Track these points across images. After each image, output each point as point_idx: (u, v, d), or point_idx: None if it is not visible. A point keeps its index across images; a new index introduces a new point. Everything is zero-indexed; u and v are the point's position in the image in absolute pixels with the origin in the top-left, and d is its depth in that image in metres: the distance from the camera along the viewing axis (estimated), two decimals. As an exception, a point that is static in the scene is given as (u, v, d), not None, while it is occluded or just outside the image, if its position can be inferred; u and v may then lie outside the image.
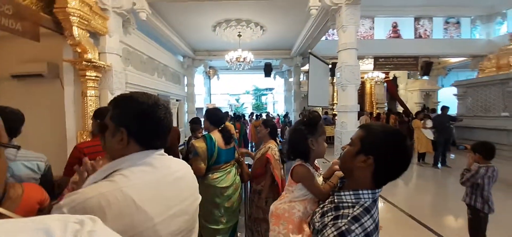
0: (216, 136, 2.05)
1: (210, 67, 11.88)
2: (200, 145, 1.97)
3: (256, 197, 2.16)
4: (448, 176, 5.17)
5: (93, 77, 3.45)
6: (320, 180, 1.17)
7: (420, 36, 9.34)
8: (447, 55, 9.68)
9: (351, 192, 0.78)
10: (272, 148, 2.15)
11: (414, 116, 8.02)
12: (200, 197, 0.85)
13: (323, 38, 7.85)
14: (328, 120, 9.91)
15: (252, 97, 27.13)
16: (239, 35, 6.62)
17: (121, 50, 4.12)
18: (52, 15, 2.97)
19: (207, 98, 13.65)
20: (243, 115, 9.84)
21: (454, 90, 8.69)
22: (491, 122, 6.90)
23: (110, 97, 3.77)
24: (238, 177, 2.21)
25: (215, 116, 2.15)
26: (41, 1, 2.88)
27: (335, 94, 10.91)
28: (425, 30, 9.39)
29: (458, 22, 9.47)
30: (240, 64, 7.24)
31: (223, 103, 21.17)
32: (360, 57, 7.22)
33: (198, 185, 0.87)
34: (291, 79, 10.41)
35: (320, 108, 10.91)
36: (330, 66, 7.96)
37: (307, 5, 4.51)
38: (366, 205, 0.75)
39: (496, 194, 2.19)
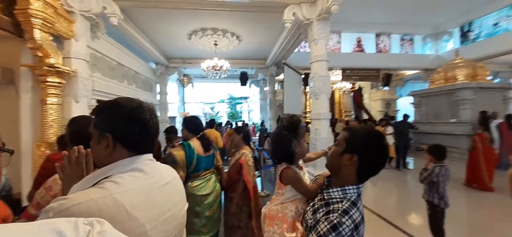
0: (195, 143, 2.04)
1: (184, 75, 11.62)
2: (178, 153, 1.93)
3: (230, 204, 2.18)
4: (409, 176, 5.71)
5: (56, 84, 3.18)
6: (306, 178, 1.24)
7: (381, 51, 10.34)
8: (403, 68, 10.82)
9: (338, 188, 0.86)
10: (246, 154, 2.16)
11: (377, 123, 8.75)
12: (187, 204, 0.85)
13: (296, 50, 8.25)
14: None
15: (227, 106, 27.06)
16: (216, 44, 6.65)
17: (88, 55, 3.86)
18: (12, 16, 2.70)
19: (181, 107, 13.25)
20: (220, 123, 9.73)
21: (411, 99, 9.70)
22: (441, 127, 7.81)
23: (75, 105, 3.50)
24: (218, 184, 2.18)
25: (192, 124, 2.15)
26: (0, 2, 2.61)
27: (308, 103, 11.41)
28: (385, 45, 10.43)
29: (411, 39, 10.70)
30: (216, 73, 7.23)
31: (198, 112, 20.70)
32: (329, 69, 7.71)
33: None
34: (266, 88, 10.66)
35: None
36: (303, 76, 8.35)
37: (281, 19, 4.75)
38: (352, 199, 0.83)
39: (450, 191, 2.49)
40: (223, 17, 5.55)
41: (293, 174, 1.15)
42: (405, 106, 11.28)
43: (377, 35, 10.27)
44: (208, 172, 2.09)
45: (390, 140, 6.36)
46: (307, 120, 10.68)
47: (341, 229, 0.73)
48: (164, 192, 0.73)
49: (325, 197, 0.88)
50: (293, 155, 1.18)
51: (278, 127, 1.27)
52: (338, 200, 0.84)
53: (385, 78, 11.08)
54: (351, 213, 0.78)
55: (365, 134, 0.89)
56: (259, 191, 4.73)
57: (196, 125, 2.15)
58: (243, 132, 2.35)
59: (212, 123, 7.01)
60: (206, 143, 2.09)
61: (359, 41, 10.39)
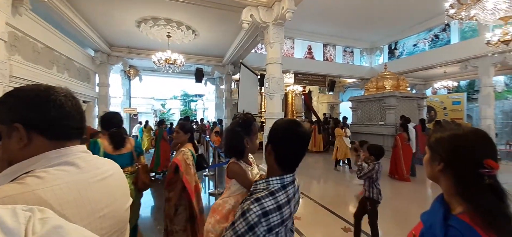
0: (104, 140, 2.01)
1: (130, 66, 10.54)
2: None
3: (167, 205, 2.03)
4: (347, 172, 6.49)
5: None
6: (255, 171, 1.30)
7: (327, 59, 11.45)
8: (344, 76, 12.22)
9: (264, 180, 0.89)
10: (185, 152, 2.05)
11: (332, 125, 9.68)
12: (131, 199, 0.80)
13: (253, 50, 8.44)
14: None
15: (181, 103, 25.68)
16: (169, 36, 6.26)
17: (5, 34, 3.15)
18: None
19: (126, 102, 11.90)
20: (171, 124, 9.09)
21: (350, 104, 11.03)
22: (373, 128, 9.15)
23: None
24: (132, 187, 2.11)
25: (105, 119, 2.11)
26: None
27: (263, 103, 11.77)
28: (331, 54, 11.60)
29: (352, 52, 12.17)
30: (169, 67, 6.80)
31: (146, 108, 18.98)
32: (283, 72, 8.17)
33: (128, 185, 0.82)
34: (222, 87, 10.55)
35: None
36: (258, 77, 8.59)
37: (239, 19, 4.80)
38: (273, 189, 0.84)
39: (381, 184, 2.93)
40: (179, 8, 5.27)
41: (237, 168, 1.20)
42: (345, 109, 12.76)
43: (325, 45, 11.35)
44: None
45: (348, 142, 6.68)
46: (262, 119, 11.04)
47: (248, 214, 0.76)
48: (102, 187, 0.67)
49: (251, 189, 0.93)
50: (243, 150, 1.23)
51: (232, 123, 1.29)
52: (261, 190, 0.86)
53: (330, 84, 12.31)
54: (262, 201, 0.80)
55: (278, 125, 0.93)
56: (213, 190, 4.69)
57: (109, 121, 2.09)
58: (185, 130, 2.21)
59: (161, 123, 6.56)
60: (117, 141, 2.05)
61: (309, 49, 11.28)
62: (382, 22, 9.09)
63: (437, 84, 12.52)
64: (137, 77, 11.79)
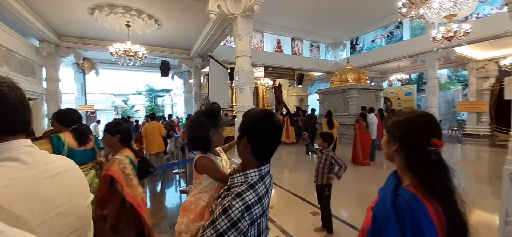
0: (67, 136, 1.93)
1: (84, 58, 9.49)
2: (44, 147, 1.58)
3: (102, 226, 1.59)
4: (312, 160, 6.84)
5: None
6: (224, 164, 1.25)
7: (296, 54, 11.77)
8: (312, 70, 12.71)
9: (241, 173, 0.87)
10: (121, 161, 1.67)
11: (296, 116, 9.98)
12: (91, 195, 0.76)
13: (222, 43, 8.25)
14: (227, 120, 10.45)
15: (146, 98, 24.09)
16: (128, 25, 5.76)
17: None
18: None
19: (81, 99, 10.70)
20: (126, 118, 8.19)
21: (317, 96, 11.56)
22: (338, 119, 9.69)
23: None
24: (96, 180, 2.02)
25: (65, 116, 2.06)
26: None
27: (233, 97, 11.67)
28: (299, 49, 11.94)
29: (318, 46, 12.70)
30: (130, 59, 6.28)
31: (105, 105, 17.38)
32: (253, 65, 8.17)
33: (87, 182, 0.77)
34: (191, 81, 10.15)
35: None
36: (228, 70, 8.45)
37: (206, 9, 4.62)
38: (252, 182, 0.83)
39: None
40: (138, -5, 4.87)
41: (207, 161, 1.13)
42: (313, 101, 13.34)
43: (293, 39, 11.62)
44: (84, 166, 1.99)
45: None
46: (233, 113, 10.95)
47: (230, 211, 0.75)
48: (54, 183, 0.63)
49: (228, 183, 0.91)
50: (208, 142, 1.16)
51: (196, 113, 1.20)
52: (239, 184, 0.85)
53: (299, 77, 12.71)
54: (244, 195, 0.78)
55: (252, 115, 0.91)
56: (184, 187, 4.54)
57: (69, 117, 2.05)
58: (121, 132, 1.83)
59: (126, 120, 6.10)
60: (81, 136, 2.01)
61: (278, 43, 11.44)
62: (344, 18, 9.62)
63: (392, 77, 13.79)
64: (93, 71, 10.69)
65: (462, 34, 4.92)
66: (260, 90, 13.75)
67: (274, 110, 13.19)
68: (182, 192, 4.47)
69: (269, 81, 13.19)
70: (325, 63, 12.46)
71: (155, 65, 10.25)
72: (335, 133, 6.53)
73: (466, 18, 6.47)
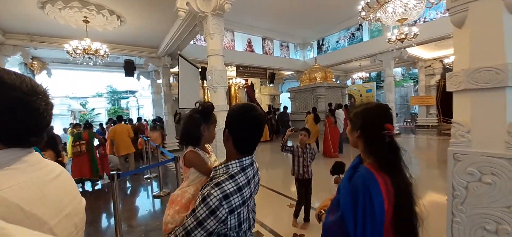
0: None
1: (33, 58, 8.41)
2: None
3: None
4: (286, 156, 7.07)
5: None
6: (213, 159, 1.27)
7: (266, 53, 11.98)
8: (282, 69, 13.08)
9: (223, 165, 0.91)
10: None
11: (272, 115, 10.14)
12: (84, 198, 0.76)
13: (192, 42, 8.02)
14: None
15: (107, 101, 22.23)
16: (86, 21, 5.28)
17: None
18: None
19: (30, 103, 9.46)
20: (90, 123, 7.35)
21: (288, 94, 11.94)
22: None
23: None
24: None
25: None
26: None
27: (206, 97, 11.42)
28: (269, 48, 12.18)
29: (288, 46, 13.10)
30: (90, 58, 5.75)
31: (60, 109, 15.59)
32: (225, 64, 8.10)
33: None
34: (159, 81, 9.67)
35: (192, 111, 11.01)
36: (200, 70, 8.26)
37: (174, 6, 4.46)
38: (232, 172, 0.87)
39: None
40: (98, -11, 4.50)
41: (194, 156, 1.18)
42: (285, 99, 13.73)
43: (263, 39, 11.81)
44: None
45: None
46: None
47: (209, 199, 0.78)
48: (58, 185, 0.62)
49: (211, 174, 0.95)
50: (199, 137, 1.20)
51: (192, 110, 1.25)
52: (221, 175, 0.88)
53: (271, 76, 12.96)
54: (223, 185, 0.81)
55: (234, 110, 0.96)
56: (158, 191, 4.33)
57: None
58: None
59: (89, 125, 5.59)
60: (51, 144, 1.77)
61: (249, 42, 11.52)
62: (310, 20, 10.09)
63: (355, 76, 14.87)
64: (44, 72, 9.54)
65: (412, 36, 5.54)
66: (233, 90, 13.70)
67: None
68: (155, 197, 4.27)
69: (241, 81, 13.22)
70: (295, 63, 12.92)
71: (118, 65, 9.54)
72: (318, 129, 6.94)
73: (415, 22, 7.28)
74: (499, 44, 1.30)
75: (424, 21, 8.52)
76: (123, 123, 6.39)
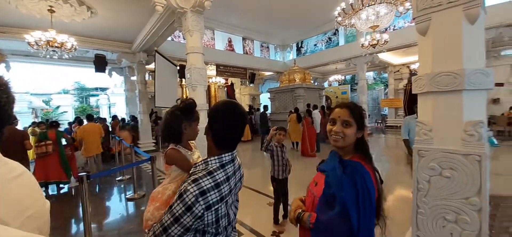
0: None
1: (-13, 49, 7.53)
2: None
3: None
4: (267, 155, 7.16)
5: None
6: (195, 156, 1.26)
7: (247, 53, 12.00)
8: (262, 69, 13.20)
9: (202, 161, 0.91)
10: None
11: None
12: (48, 201, 0.70)
13: (170, 38, 7.76)
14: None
15: (75, 98, 20.59)
16: (52, 11, 4.85)
17: None
18: None
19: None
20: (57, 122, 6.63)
21: (268, 95, 12.07)
22: (287, 116, 10.42)
23: None
24: None
25: None
26: None
27: (184, 96, 11.11)
28: (250, 48, 12.22)
29: (268, 47, 13.25)
30: (55, 51, 5.29)
31: (20, 106, 14.12)
32: (205, 62, 7.96)
33: None
34: (134, 78, 9.20)
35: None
36: (178, 67, 8.00)
37: (152, 0, 4.29)
38: (211, 169, 0.86)
39: (292, 160, 3.39)
40: (66, -24, 4.16)
41: (175, 153, 1.17)
42: (265, 100, 13.86)
43: (244, 39, 11.81)
44: None
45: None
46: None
47: (185, 195, 0.78)
48: (19, 184, 0.58)
49: (191, 170, 0.94)
50: (180, 134, 1.19)
51: (173, 107, 1.23)
52: (200, 171, 0.87)
53: (251, 76, 13.00)
54: (200, 181, 0.81)
55: (216, 105, 0.96)
56: (132, 194, 4.11)
57: None
58: None
59: (56, 124, 5.10)
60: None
61: (230, 41, 11.45)
62: (290, 22, 10.32)
63: (331, 78, 15.49)
64: (3, 64, 8.58)
65: (383, 42, 5.93)
66: (213, 89, 13.50)
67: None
68: (129, 200, 4.05)
69: (221, 80, 13.08)
70: (275, 64, 13.11)
71: (88, 59, 8.91)
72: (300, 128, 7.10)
73: (386, 29, 7.78)
74: (457, 51, 1.45)
75: (393, 29, 9.15)
76: (93, 122, 6.00)
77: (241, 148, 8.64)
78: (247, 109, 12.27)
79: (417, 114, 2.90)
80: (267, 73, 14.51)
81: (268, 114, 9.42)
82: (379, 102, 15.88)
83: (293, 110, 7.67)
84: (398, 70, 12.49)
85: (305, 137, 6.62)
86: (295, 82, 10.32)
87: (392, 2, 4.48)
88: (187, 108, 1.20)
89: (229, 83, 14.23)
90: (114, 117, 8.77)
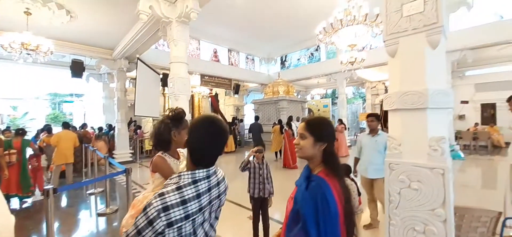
0: None
1: None
2: None
3: None
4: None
5: None
6: (183, 165, 1.28)
7: (232, 64, 12.11)
8: (247, 81, 13.34)
9: (177, 174, 0.88)
10: None
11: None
12: None
13: (154, 46, 7.65)
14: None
15: (47, 104, 19.27)
16: (28, 13, 4.62)
17: None
18: None
19: None
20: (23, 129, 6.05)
21: (252, 106, 12.17)
22: (271, 127, 10.52)
23: None
24: None
25: None
26: None
27: (167, 104, 10.87)
28: (235, 60, 12.35)
29: (253, 59, 13.47)
30: (29, 54, 4.99)
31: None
32: (189, 72, 7.91)
33: None
34: (113, 85, 8.86)
35: (151, 118, 10.33)
36: (161, 75, 7.86)
37: (135, 7, 4.24)
38: (181, 184, 0.84)
39: (274, 172, 3.42)
40: (44, -22, 4.01)
41: (160, 161, 1.20)
42: (249, 111, 13.94)
43: (229, 50, 11.94)
44: None
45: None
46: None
47: (148, 209, 0.77)
48: None
49: (165, 182, 0.91)
50: (169, 141, 1.23)
51: (164, 116, 1.28)
52: (171, 184, 0.85)
53: (236, 87, 13.07)
54: (165, 196, 0.79)
55: (194, 120, 0.96)
56: (104, 209, 3.86)
57: None
58: None
59: (22, 132, 4.70)
60: None
61: (215, 52, 11.51)
62: (274, 37, 10.65)
63: (313, 92, 16.00)
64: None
65: (360, 60, 6.29)
66: (196, 99, 13.34)
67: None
68: (100, 215, 3.80)
69: (205, 90, 12.99)
70: (259, 75, 13.32)
71: (64, 64, 8.49)
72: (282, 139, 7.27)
73: (363, 48, 8.26)
74: (421, 72, 1.59)
75: (370, 48, 9.76)
76: (68, 129, 5.62)
77: (224, 159, 8.54)
78: (230, 120, 12.23)
79: (370, 131, 3.14)
80: (251, 85, 14.66)
81: (261, 125, 9.15)
82: (357, 116, 16.59)
83: (276, 122, 7.92)
84: (375, 86, 13.22)
85: (286, 149, 6.73)
86: (279, 95, 10.53)
87: (368, 23, 4.81)
88: (176, 117, 1.24)
89: (214, 93, 14.16)
90: (84, 126, 8.11)
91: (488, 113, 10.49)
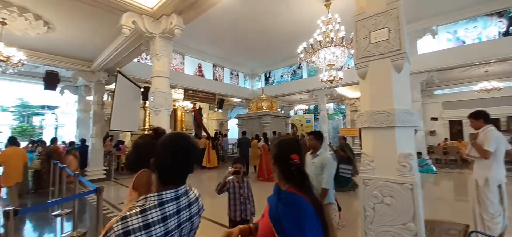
0: None
1: None
2: None
3: None
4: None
5: None
6: None
7: (216, 79, 12.16)
8: (231, 96, 13.40)
9: (144, 196, 0.84)
10: None
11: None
12: None
13: (136, 59, 7.51)
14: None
15: (15, 116, 17.90)
16: (3, 23, 4.39)
17: None
18: None
19: None
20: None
21: (236, 121, 12.17)
22: (255, 142, 10.53)
23: None
24: None
25: None
26: None
27: (147, 118, 10.54)
28: (220, 75, 12.42)
29: (238, 75, 13.64)
30: (-3, 65, 4.69)
31: None
32: (172, 87, 7.83)
33: None
34: (90, 98, 8.49)
35: (129, 133, 9.93)
36: (142, 89, 7.67)
37: (118, 21, 4.20)
38: (146, 206, 0.80)
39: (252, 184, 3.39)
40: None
41: (146, 176, 1.18)
42: (233, 126, 13.90)
43: (214, 66, 12.02)
44: None
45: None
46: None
47: (109, 234, 0.73)
48: None
49: (133, 204, 0.87)
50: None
51: (142, 136, 1.28)
52: (136, 206, 0.81)
53: (220, 102, 13.06)
54: (127, 219, 0.75)
55: (162, 138, 0.94)
56: (69, 232, 3.55)
57: None
58: None
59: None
60: None
61: (200, 67, 11.52)
62: (258, 54, 10.93)
63: (296, 107, 16.40)
64: None
65: (338, 79, 6.62)
66: (179, 113, 13.11)
67: (194, 134, 12.78)
68: (67, 239, 3.49)
69: (189, 104, 12.83)
70: (244, 91, 13.46)
71: (36, 75, 8.04)
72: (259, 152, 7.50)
73: (341, 67, 8.70)
74: (389, 93, 1.72)
75: (348, 68, 10.32)
76: (16, 146, 5.15)
77: (206, 175, 8.34)
78: (213, 134, 12.09)
79: (334, 150, 3.19)
80: (236, 100, 14.73)
81: (250, 140, 9.01)
82: (338, 131, 17.15)
83: (254, 137, 8.44)
84: (354, 103, 13.86)
85: (262, 162, 6.98)
86: (262, 110, 10.66)
87: (345, 45, 5.14)
88: (159, 136, 1.21)
89: (197, 108, 14.01)
90: (54, 141, 7.49)
91: (456, 129, 11.34)
